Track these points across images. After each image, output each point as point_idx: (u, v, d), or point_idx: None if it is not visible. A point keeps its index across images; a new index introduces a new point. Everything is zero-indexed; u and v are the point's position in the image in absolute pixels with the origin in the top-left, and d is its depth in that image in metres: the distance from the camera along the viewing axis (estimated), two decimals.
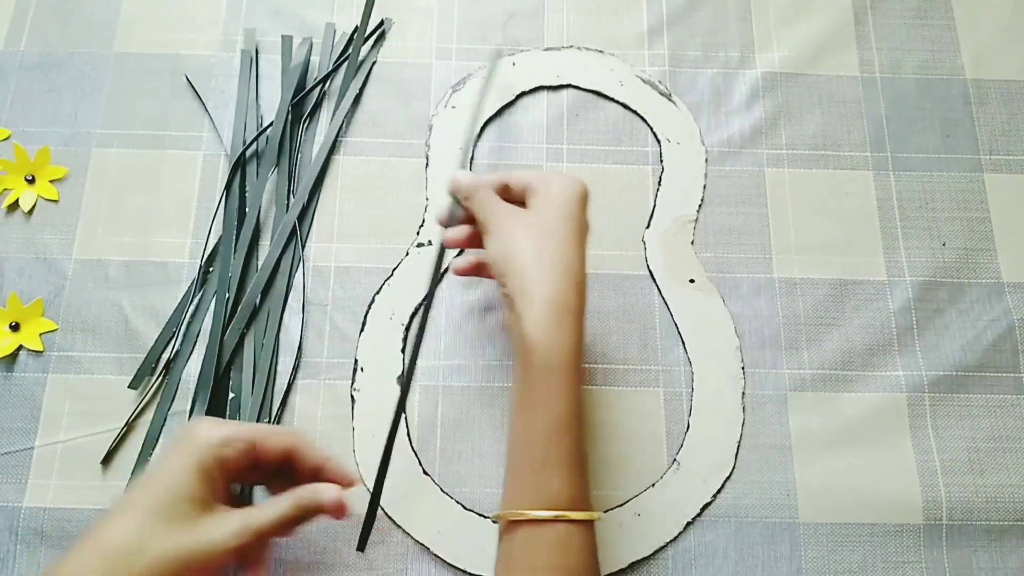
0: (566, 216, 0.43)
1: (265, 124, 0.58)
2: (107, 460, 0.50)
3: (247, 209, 0.56)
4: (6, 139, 0.58)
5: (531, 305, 0.41)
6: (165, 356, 0.52)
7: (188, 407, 0.51)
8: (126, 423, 0.51)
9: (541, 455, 0.40)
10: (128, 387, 0.51)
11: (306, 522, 0.41)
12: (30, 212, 0.56)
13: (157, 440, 0.51)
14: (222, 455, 0.39)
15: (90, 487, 0.50)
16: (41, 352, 0.53)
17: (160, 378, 0.52)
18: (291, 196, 0.56)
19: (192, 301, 0.53)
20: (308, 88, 0.59)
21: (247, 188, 0.56)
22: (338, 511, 0.41)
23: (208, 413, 0.51)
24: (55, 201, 0.56)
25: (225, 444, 0.39)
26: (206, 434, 0.40)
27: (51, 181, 0.57)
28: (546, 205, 0.44)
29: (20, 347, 0.53)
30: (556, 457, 0.40)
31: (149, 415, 0.51)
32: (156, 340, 0.53)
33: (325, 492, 0.41)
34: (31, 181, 0.56)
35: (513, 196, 0.46)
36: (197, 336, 0.53)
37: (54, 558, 0.48)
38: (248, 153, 0.57)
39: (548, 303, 0.41)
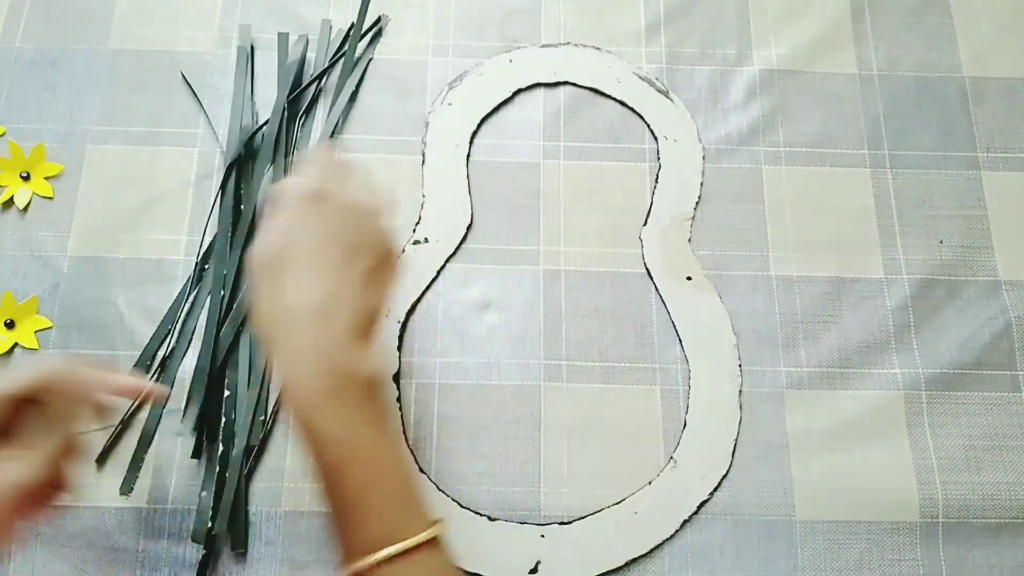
0: (294, 241, 0.38)
1: (261, 121, 0.58)
2: (102, 458, 0.50)
3: (242, 206, 0.55)
4: (1, 136, 0.57)
5: (280, 370, 0.37)
6: (160, 353, 0.52)
7: (183, 405, 0.51)
8: (120, 421, 0.51)
9: (348, 509, 0.36)
10: None
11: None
12: (25, 209, 0.56)
13: (152, 437, 0.51)
14: None
15: (85, 485, 0.50)
16: (36, 350, 0.52)
17: (155, 376, 0.52)
18: None
19: (188, 298, 0.53)
20: (304, 85, 0.58)
21: (242, 185, 0.56)
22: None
23: (203, 410, 0.50)
24: (50, 198, 0.56)
25: None
26: None
27: (46, 178, 0.56)
28: (271, 234, 0.39)
29: (15, 345, 0.52)
30: (367, 498, 0.36)
31: (145, 413, 0.51)
32: (151, 337, 0.52)
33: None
34: (26, 178, 0.56)
35: None
36: (192, 333, 0.53)
37: (49, 556, 0.48)
38: (244, 150, 0.57)
39: (288, 364, 0.37)
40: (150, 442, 0.51)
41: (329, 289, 0.37)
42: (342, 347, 0.37)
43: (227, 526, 0.48)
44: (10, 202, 0.56)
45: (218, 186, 0.56)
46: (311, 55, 0.60)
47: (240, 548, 0.48)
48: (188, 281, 0.54)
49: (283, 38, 0.60)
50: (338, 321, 0.37)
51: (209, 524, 0.48)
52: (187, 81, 0.59)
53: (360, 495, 0.36)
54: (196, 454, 0.50)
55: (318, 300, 0.37)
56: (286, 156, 0.57)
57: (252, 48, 0.60)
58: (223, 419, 0.51)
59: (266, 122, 0.57)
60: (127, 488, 0.50)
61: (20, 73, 0.59)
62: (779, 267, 0.56)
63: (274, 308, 0.37)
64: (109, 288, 0.54)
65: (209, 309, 0.53)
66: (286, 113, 0.57)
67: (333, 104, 0.58)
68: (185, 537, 0.49)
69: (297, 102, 0.58)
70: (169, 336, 0.52)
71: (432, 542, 0.36)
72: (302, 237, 0.38)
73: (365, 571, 0.35)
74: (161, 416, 0.51)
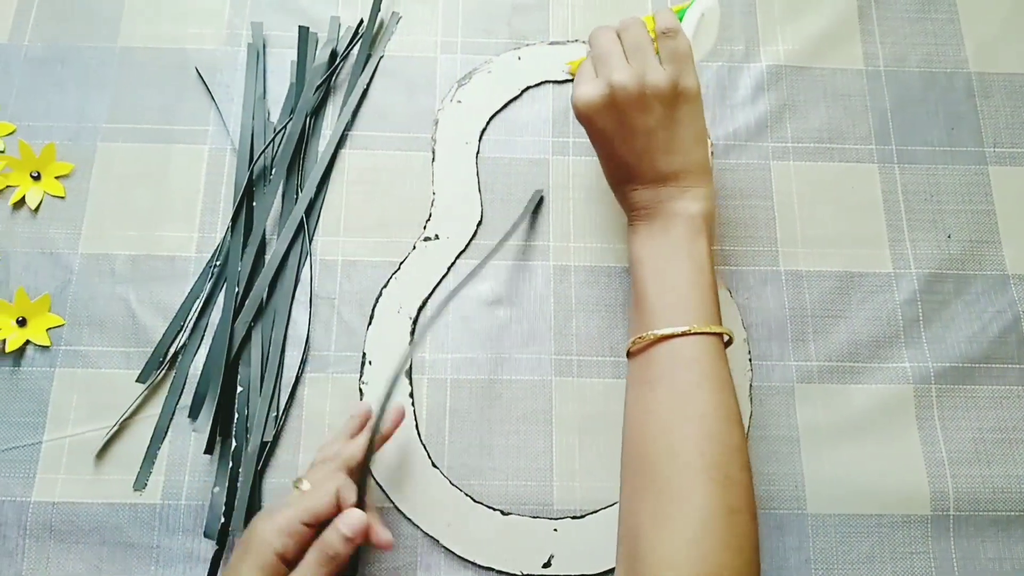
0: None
1: (270, 118, 0.58)
2: (103, 453, 0.50)
3: (255, 203, 0.56)
4: (10, 134, 0.57)
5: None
6: (173, 349, 0.52)
7: (190, 400, 0.51)
8: (122, 417, 0.51)
9: (685, 292, 0.44)
10: (136, 381, 0.51)
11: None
12: (36, 209, 0.56)
13: (165, 434, 0.51)
14: (282, 549, 0.40)
15: (99, 481, 0.50)
16: (48, 347, 0.52)
17: (166, 372, 0.52)
18: (299, 191, 0.56)
19: (200, 295, 0.53)
20: (319, 82, 0.58)
21: (254, 183, 0.56)
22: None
23: (217, 408, 0.50)
24: (61, 198, 0.56)
25: (281, 535, 0.41)
26: (262, 533, 0.41)
27: (57, 177, 0.56)
28: None
29: (27, 343, 0.53)
30: (700, 290, 0.44)
31: (158, 409, 0.51)
32: (164, 333, 0.52)
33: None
34: (36, 178, 0.56)
35: None
36: (204, 330, 0.53)
37: (63, 552, 0.48)
38: (255, 148, 0.57)
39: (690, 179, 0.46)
40: (163, 438, 0.51)
41: None
42: None
43: (241, 523, 0.48)
44: (21, 202, 0.56)
45: (230, 184, 0.56)
46: (320, 52, 0.60)
47: None
48: (200, 278, 0.54)
49: (304, 32, 0.60)
50: None
51: (223, 520, 0.48)
52: (201, 77, 0.59)
53: (711, 288, 0.44)
54: (209, 450, 0.50)
55: None
56: (296, 153, 0.57)
57: (264, 45, 0.60)
58: (235, 415, 0.51)
59: (287, 123, 0.57)
60: (141, 484, 0.50)
61: (30, 71, 0.59)
62: (788, 262, 0.56)
63: None
64: (121, 285, 0.54)
65: (223, 306, 0.53)
66: (303, 112, 0.57)
67: (345, 102, 0.58)
68: (199, 533, 0.49)
69: (308, 101, 0.58)
70: (181, 332, 0.53)
71: (714, 338, 0.43)
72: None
73: (650, 341, 0.43)
74: (174, 412, 0.51)
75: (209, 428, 0.50)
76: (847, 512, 0.50)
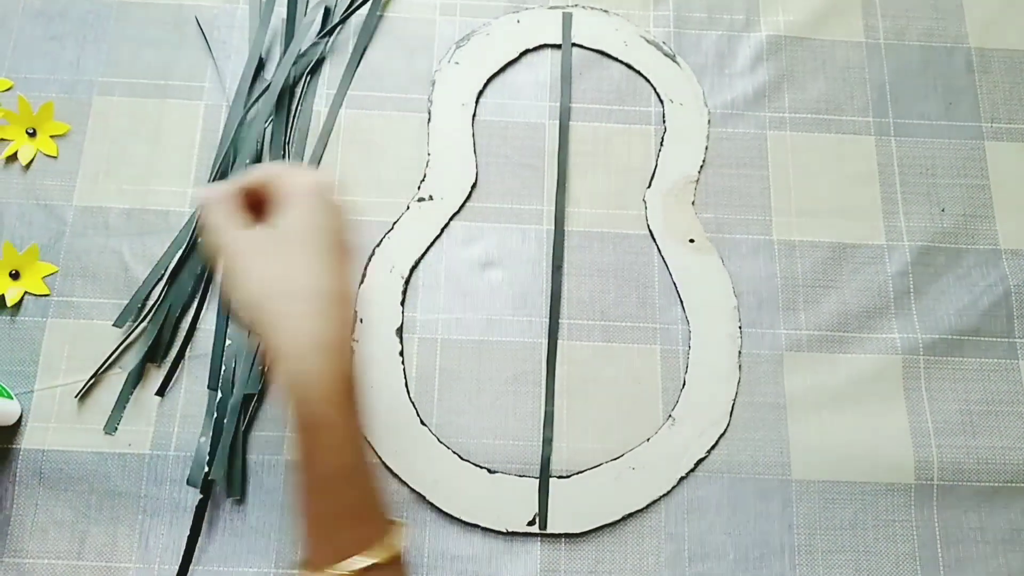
0: (310, 227, 0.36)
1: (268, 75, 0.58)
2: (85, 399, 0.51)
3: (238, 159, 0.55)
4: (8, 90, 0.57)
5: (281, 356, 0.35)
6: (152, 299, 0.53)
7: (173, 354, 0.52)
8: (101, 365, 0.51)
9: (329, 510, 0.36)
10: (113, 325, 0.52)
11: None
12: (27, 165, 0.55)
13: (138, 380, 0.51)
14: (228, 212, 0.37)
15: (88, 430, 0.50)
16: (48, 295, 0.53)
17: (146, 321, 0.52)
18: (288, 148, 0.56)
19: (183, 245, 0.53)
20: (314, 40, 0.58)
21: (247, 139, 0.56)
22: None
23: (178, 354, 0.52)
24: (54, 157, 0.56)
25: (220, 204, 0.37)
26: (210, 211, 0.37)
27: (52, 136, 0.56)
28: (286, 218, 0.36)
29: (25, 294, 0.53)
30: (344, 509, 0.37)
31: (134, 357, 0.52)
32: (144, 281, 0.53)
33: None
34: (32, 134, 0.56)
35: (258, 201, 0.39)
36: (196, 284, 0.53)
37: (51, 498, 0.49)
38: (250, 104, 0.57)
39: (300, 348, 0.35)
40: (135, 384, 0.51)
41: (337, 282, 0.36)
42: (346, 343, 0.36)
43: (225, 472, 0.49)
44: (15, 156, 0.56)
45: (223, 139, 0.56)
46: (318, 11, 0.60)
47: (236, 495, 0.49)
48: (183, 229, 0.54)
49: None
50: (342, 314, 0.36)
51: (206, 469, 0.49)
52: (202, 30, 0.59)
53: (356, 505, 0.37)
54: (160, 392, 0.51)
55: (327, 288, 0.36)
56: (289, 112, 0.57)
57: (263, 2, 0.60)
58: (223, 367, 0.51)
59: (270, 82, 0.57)
60: (111, 428, 0.50)
61: (27, 23, 0.59)
62: (781, 232, 0.56)
63: (271, 289, 0.35)
64: (114, 238, 0.54)
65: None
66: (293, 69, 0.57)
67: (347, 63, 0.58)
68: (187, 483, 0.49)
69: (305, 58, 0.58)
70: (160, 281, 0.53)
71: (393, 560, 0.36)
72: (310, 224, 0.37)
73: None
74: (143, 360, 0.51)
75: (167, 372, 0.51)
76: (831, 479, 0.51)
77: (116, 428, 0.50)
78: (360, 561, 0.35)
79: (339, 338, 0.36)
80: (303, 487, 0.36)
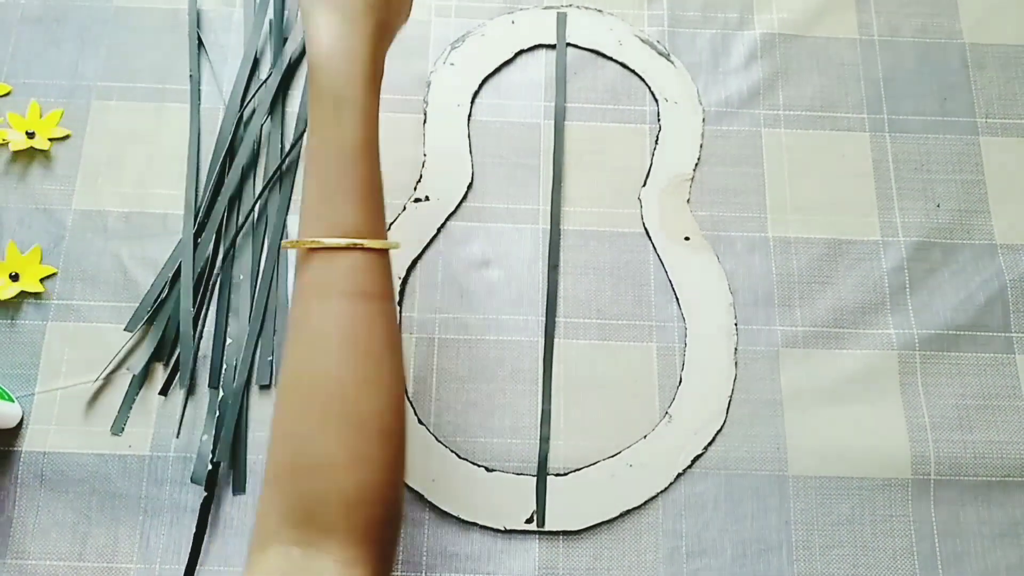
0: None
1: (263, 76, 0.58)
2: (93, 403, 0.51)
3: (234, 162, 0.56)
4: (6, 95, 0.58)
5: (316, 23, 0.37)
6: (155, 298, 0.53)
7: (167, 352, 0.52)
8: (107, 367, 0.51)
9: (334, 184, 0.38)
10: (124, 329, 0.52)
11: None
12: (27, 170, 0.56)
13: (143, 381, 0.52)
14: None
15: (89, 432, 0.51)
16: (41, 293, 0.53)
17: (149, 323, 0.53)
18: (282, 146, 0.56)
19: (188, 248, 0.54)
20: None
21: (242, 139, 0.56)
22: None
23: (178, 355, 0.52)
24: (48, 160, 0.56)
25: None
26: None
27: (51, 139, 0.56)
28: None
29: (22, 293, 0.53)
30: (349, 186, 0.38)
31: (138, 360, 0.52)
32: (152, 285, 0.53)
33: None
34: (31, 135, 0.56)
35: None
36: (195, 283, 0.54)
37: (52, 500, 0.49)
38: (244, 105, 0.57)
39: (333, 15, 0.37)
40: (141, 385, 0.51)
41: None
42: (381, 27, 0.40)
43: (228, 461, 0.49)
44: (15, 157, 0.56)
45: (219, 140, 0.56)
46: None
47: (242, 491, 0.49)
48: (185, 230, 0.54)
49: None
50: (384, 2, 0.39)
51: (211, 461, 0.49)
52: (199, 34, 0.59)
53: (364, 184, 0.38)
54: (163, 391, 0.51)
55: None
56: (283, 113, 0.57)
57: (256, 3, 0.60)
58: (223, 366, 0.51)
59: (268, 78, 0.57)
60: (118, 428, 0.50)
61: (26, 28, 0.59)
62: (776, 229, 0.56)
63: None
64: (113, 241, 0.54)
65: (196, 256, 0.54)
66: (286, 69, 0.57)
67: None
68: (187, 484, 0.49)
69: (300, 59, 0.59)
70: (166, 284, 0.53)
71: (384, 252, 0.38)
72: None
73: (340, 248, 0.37)
74: (149, 362, 0.52)
75: (168, 373, 0.51)
76: (828, 475, 0.51)
77: (123, 428, 0.51)
78: (351, 241, 0.37)
79: (375, 22, 0.38)
80: (316, 161, 0.38)
